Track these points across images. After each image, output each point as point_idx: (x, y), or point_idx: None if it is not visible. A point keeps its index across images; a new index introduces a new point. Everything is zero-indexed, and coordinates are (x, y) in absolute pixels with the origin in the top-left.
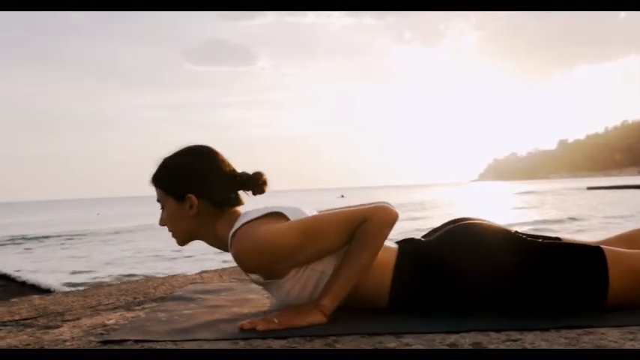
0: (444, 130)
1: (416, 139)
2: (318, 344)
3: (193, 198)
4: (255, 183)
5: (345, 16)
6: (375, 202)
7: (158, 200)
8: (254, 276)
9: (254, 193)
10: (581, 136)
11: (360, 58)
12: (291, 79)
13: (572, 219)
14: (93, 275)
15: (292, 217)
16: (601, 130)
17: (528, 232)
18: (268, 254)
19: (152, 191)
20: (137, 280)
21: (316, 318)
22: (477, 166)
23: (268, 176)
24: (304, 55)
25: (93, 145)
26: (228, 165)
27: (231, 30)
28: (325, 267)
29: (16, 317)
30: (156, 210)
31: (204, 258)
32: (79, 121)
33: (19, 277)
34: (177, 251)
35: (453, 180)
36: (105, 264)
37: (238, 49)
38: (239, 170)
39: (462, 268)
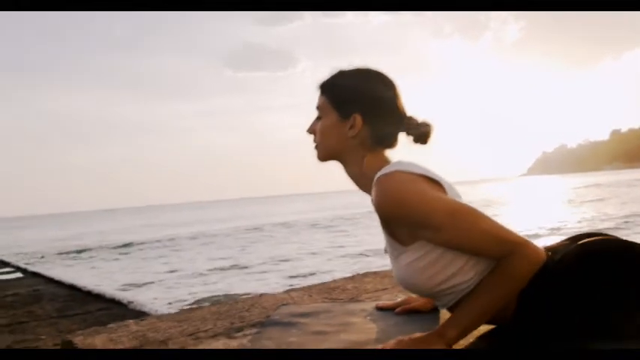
0: (488, 123)
1: (460, 134)
2: None
3: (359, 119)
4: (422, 131)
5: (383, 13)
6: (522, 236)
7: (317, 107)
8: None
9: (415, 141)
10: (636, 125)
11: (399, 55)
12: None
13: None
14: (163, 291)
15: (449, 193)
16: None
17: None
18: (408, 213)
19: (195, 198)
20: (227, 302)
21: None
22: (525, 160)
23: (313, 178)
24: (344, 54)
25: (138, 153)
26: (402, 103)
27: (269, 35)
28: (456, 255)
29: (120, 347)
30: (193, 219)
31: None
32: (126, 131)
33: (85, 287)
34: (232, 261)
35: (499, 175)
36: (162, 273)
37: (278, 54)
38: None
39: (593, 290)
